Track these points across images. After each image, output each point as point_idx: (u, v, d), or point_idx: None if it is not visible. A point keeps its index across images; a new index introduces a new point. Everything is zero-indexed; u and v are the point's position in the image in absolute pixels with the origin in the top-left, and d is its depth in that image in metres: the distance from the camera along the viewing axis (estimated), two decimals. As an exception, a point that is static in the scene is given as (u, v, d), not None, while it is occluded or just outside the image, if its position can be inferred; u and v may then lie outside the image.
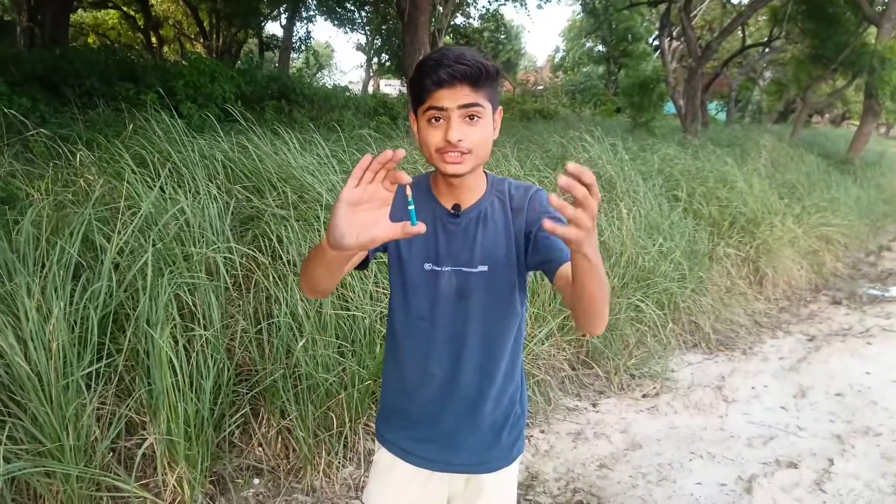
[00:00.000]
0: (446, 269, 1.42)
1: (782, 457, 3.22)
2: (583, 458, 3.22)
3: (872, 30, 12.03)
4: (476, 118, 1.30)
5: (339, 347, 3.03)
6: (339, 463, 2.89)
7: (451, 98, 1.28)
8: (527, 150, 6.03)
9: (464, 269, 1.41)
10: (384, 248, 1.47)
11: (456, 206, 1.42)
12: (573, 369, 4.00)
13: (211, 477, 2.69)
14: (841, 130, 23.72)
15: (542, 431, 3.44)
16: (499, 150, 5.52)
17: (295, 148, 4.21)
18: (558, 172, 5.51)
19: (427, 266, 1.43)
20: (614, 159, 6.06)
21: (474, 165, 1.34)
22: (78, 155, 3.76)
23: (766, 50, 18.29)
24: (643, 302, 4.41)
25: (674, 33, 15.36)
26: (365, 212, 1.10)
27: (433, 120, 1.30)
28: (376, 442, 1.63)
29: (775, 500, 2.84)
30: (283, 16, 19.76)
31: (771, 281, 6.03)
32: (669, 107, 15.00)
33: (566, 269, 1.30)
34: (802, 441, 3.40)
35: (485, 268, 1.41)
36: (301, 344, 2.89)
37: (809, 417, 3.69)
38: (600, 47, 31.96)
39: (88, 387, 2.46)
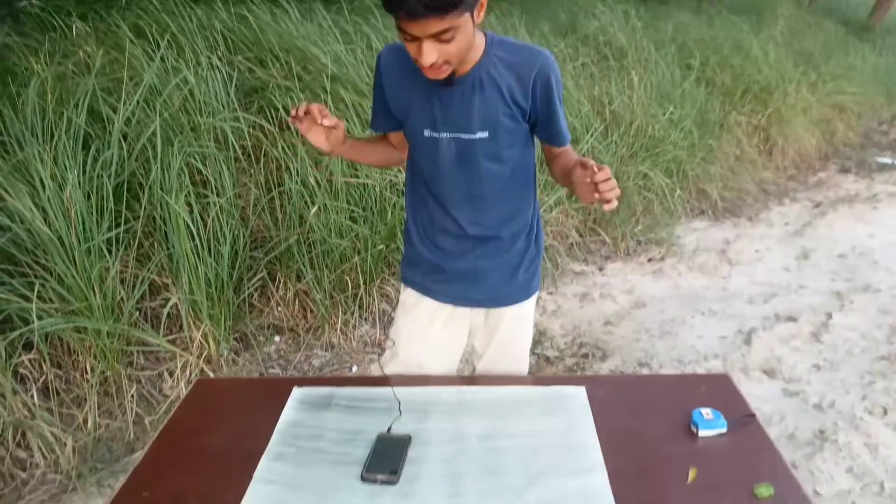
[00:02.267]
0: (444, 135, 1.43)
1: (782, 312, 3.33)
2: (589, 317, 3.35)
3: None
4: (450, 39, 1.23)
5: (350, 214, 3.08)
6: (354, 322, 3.02)
7: (420, 29, 1.20)
8: (535, 19, 5.82)
9: (462, 135, 1.42)
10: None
11: (450, 75, 1.35)
12: (581, 236, 4.07)
13: (234, 334, 2.82)
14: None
15: (550, 293, 3.55)
16: (506, 21, 5.34)
17: (295, 17, 4.08)
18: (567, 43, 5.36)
19: (426, 133, 1.45)
20: (626, 27, 5.86)
21: (457, 66, 1.32)
22: (73, 27, 3.67)
23: None
24: (651, 170, 4.41)
25: None
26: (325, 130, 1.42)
27: (407, 38, 1.24)
28: (402, 284, 1.71)
29: (772, 349, 2.97)
30: None
31: (781, 150, 5.98)
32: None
33: (559, 151, 1.51)
34: (803, 298, 3.50)
35: (485, 134, 1.42)
36: (313, 211, 2.94)
37: (811, 277, 3.78)
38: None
39: (110, 251, 2.54)
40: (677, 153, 4.66)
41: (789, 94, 6.23)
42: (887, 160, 6.42)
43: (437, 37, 1.22)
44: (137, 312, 2.61)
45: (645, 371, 2.85)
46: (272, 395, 1.51)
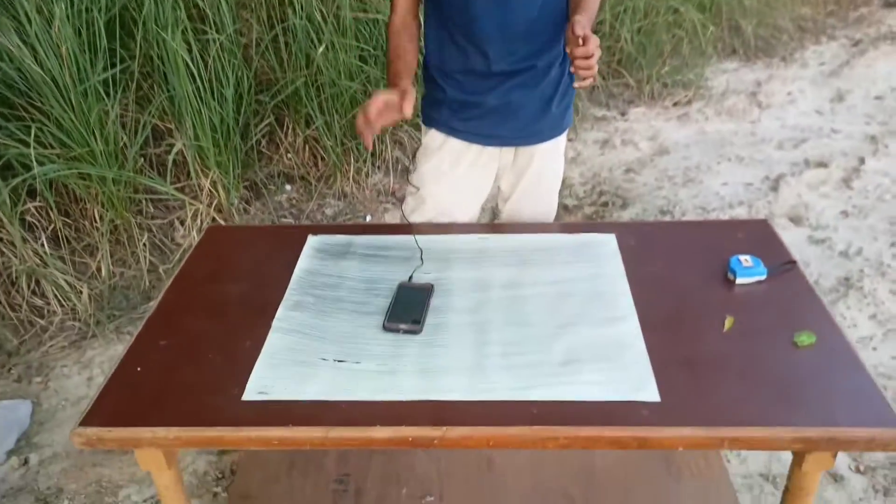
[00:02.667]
0: None
1: (812, 157, 3.18)
2: (609, 164, 3.23)
3: None
4: None
5: (360, 53, 2.88)
6: (367, 170, 2.92)
7: None
8: None
9: None
10: None
11: None
12: (603, 79, 3.84)
13: (244, 183, 2.74)
14: None
15: (570, 140, 3.40)
16: None
17: None
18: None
19: None
20: None
21: None
22: None
23: None
24: (683, 5, 4.08)
25: None
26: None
27: None
28: (423, 127, 1.59)
29: (800, 196, 2.87)
30: None
31: (822, -17, 5.51)
32: None
33: None
34: (835, 142, 3.34)
35: None
36: (320, 50, 2.74)
37: (845, 120, 3.59)
38: None
39: (107, 93, 2.40)
40: (712, -15, 4.29)
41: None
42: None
43: None
44: (142, 159, 2.51)
45: (666, 217, 2.77)
46: (287, 242, 1.44)
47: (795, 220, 2.71)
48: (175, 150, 2.46)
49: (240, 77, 2.68)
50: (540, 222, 1.64)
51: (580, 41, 1.19)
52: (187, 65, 2.43)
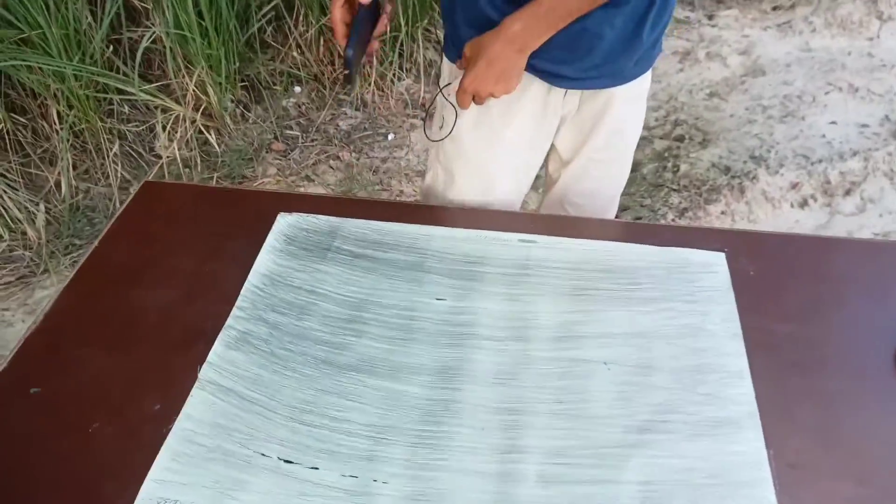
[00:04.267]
0: None
1: (947, 95, 2.56)
2: (690, 85, 2.64)
3: None
4: None
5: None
6: (393, 75, 2.40)
7: None
8: None
9: None
10: None
11: None
12: (691, -30, 3.15)
13: (242, 82, 2.25)
14: None
15: (643, 48, 2.80)
16: None
17: None
18: None
19: None
20: None
21: None
22: None
23: None
24: None
25: None
26: None
27: None
28: (443, 58, 1.10)
29: (930, 148, 2.29)
30: None
31: None
32: None
33: None
34: (976, 76, 2.70)
35: None
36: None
37: None
38: None
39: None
40: None
41: None
42: None
43: None
44: (111, 47, 2.02)
45: (758, 169, 2.23)
46: (248, 219, 1.00)
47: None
48: (149, 36, 1.96)
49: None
50: (611, 219, 1.17)
51: None
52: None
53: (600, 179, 1.21)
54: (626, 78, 1.07)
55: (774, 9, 3.16)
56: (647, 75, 1.12)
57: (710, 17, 3.08)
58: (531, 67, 1.00)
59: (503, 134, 1.10)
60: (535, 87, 1.05)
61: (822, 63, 2.77)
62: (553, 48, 0.97)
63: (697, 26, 3.00)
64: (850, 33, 3.00)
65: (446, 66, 1.12)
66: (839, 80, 2.66)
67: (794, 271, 0.93)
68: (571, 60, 1.01)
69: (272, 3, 2.26)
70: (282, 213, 1.01)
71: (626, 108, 1.12)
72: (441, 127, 1.11)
